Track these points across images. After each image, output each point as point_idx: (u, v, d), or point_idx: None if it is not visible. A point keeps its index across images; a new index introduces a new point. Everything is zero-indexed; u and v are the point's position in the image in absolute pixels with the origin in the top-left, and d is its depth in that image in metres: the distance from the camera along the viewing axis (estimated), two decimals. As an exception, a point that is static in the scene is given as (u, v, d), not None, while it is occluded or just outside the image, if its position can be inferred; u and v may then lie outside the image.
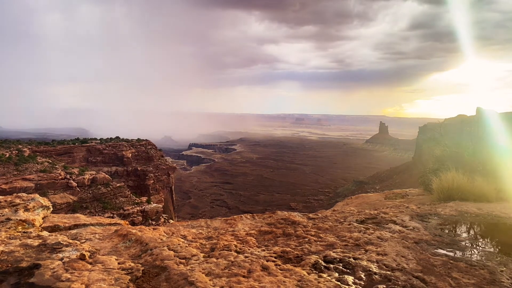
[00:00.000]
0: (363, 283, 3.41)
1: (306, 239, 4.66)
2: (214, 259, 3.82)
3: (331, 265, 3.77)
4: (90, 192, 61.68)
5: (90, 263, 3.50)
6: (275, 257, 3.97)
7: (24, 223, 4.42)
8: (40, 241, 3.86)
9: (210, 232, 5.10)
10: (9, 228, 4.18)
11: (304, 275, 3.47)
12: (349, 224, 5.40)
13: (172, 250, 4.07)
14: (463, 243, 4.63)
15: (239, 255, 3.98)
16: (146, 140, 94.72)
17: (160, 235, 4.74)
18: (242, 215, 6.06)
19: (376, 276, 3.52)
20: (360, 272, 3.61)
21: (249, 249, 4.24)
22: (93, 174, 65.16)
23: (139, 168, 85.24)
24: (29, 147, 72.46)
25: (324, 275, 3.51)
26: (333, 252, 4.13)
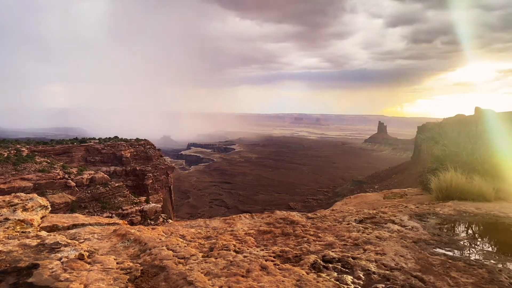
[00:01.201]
0: (362, 282, 3.41)
1: (305, 239, 4.66)
2: (213, 259, 3.82)
3: (330, 265, 3.77)
4: (89, 191, 61.61)
5: (89, 263, 3.50)
6: (274, 257, 3.97)
7: (23, 223, 4.41)
8: (39, 241, 3.85)
9: (209, 231, 5.09)
10: (7, 228, 4.17)
11: (303, 274, 3.47)
12: (348, 224, 5.40)
13: (171, 250, 4.06)
14: (462, 242, 4.64)
15: (238, 254, 3.98)
16: (145, 139, 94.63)
17: (159, 234, 4.73)
18: (241, 215, 6.06)
19: (375, 276, 3.52)
20: (359, 271, 3.61)
21: (248, 249, 4.23)
22: (91, 173, 65.08)
23: (137, 168, 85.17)
24: (28, 146, 72.31)
25: (323, 275, 3.51)
26: (332, 251, 4.13)
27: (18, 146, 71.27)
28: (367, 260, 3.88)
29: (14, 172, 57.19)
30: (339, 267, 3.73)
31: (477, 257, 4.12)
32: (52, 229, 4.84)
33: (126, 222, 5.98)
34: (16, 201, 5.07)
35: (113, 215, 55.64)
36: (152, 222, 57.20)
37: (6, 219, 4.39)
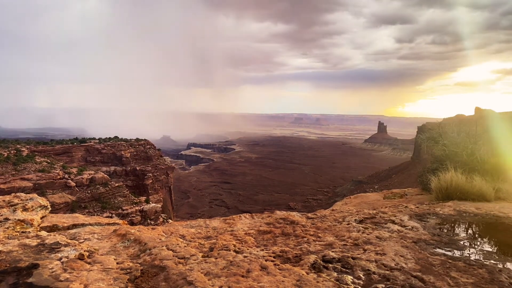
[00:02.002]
0: (362, 282, 3.41)
1: (305, 239, 4.66)
2: (213, 259, 3.82)
3: (330, 265, 3.77)
4: (89, 191, 61.62)
5: (89, 263, 3.50)
6: (274, 257, 3.97)
7: (23, 223, 4.41)
8: (39, 241, 3.84)
9: (209, 231, 5.09)
10: (7, 228, 4.17)
11: (303, 274, 3.47)
12: (348, 224, 5.40)
13: (171, 250, 4.06)
14: (462, 242, 4.64)
15: (238, 254, 3.98)
16: (145, 140, 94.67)
17: (159, 234, 4.73)
18: (241, 215, 6.06)
19: (375, 276, 3.52)
20: (359, 271, 3.61)
21: (248, 249, 4.23)
22: (91, 173, 65.09)
23: (137, 168, 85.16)
24: (28, 146, 72.32)
25: (323, 275, 3.51)
26: (332, 251, 4.13)
27: (18, 146, 71.29)
28: (367, 260, 3.87)
29: (14, 172, 57.21)
30: (339, 267, 3.73)
31: (477, 257, 4.12)
32: (52, 229, 4.84)
33: (126, 222, 5.98)
34: (16, 201, 5.08)
35: (113, 215, 55.66)
36: (152, 222, 57.22)
37: (6, 219, 4.39)
